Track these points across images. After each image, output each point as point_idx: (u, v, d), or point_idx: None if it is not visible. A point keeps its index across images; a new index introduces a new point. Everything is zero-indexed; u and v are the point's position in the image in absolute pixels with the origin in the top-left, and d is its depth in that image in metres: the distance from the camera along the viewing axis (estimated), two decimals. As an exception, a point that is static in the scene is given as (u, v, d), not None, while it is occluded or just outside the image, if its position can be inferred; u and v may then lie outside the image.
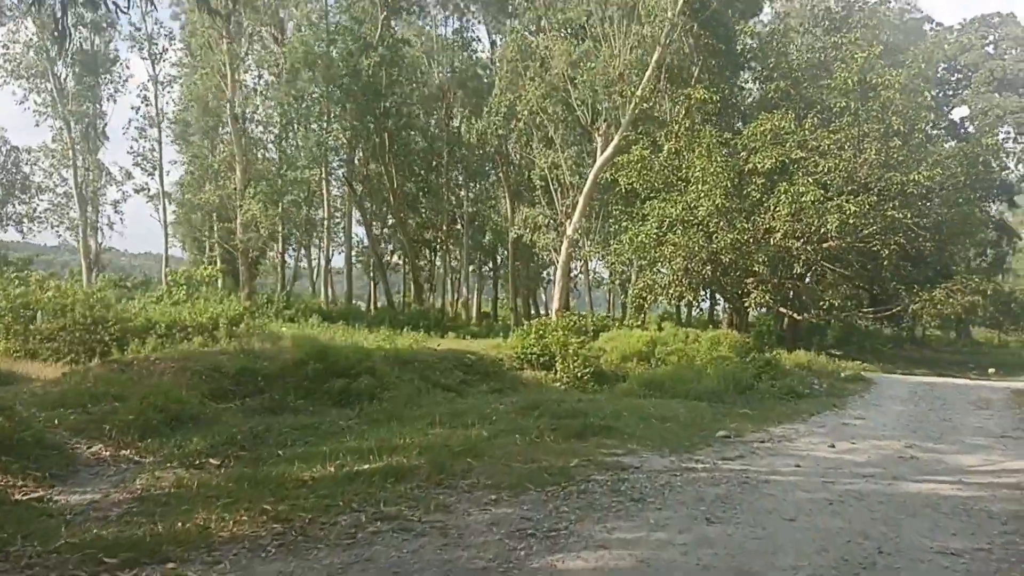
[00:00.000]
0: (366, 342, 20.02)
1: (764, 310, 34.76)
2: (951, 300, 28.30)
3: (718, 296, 40.47)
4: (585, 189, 35.54)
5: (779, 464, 10.13)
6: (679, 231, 29.09)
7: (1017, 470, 10.27)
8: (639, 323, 31.56)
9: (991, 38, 61.89)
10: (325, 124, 39.39)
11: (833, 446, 11.78)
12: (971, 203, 32.17)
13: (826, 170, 27.64)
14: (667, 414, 13.33)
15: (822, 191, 27.27)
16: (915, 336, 54.63)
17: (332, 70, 37.58)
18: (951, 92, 60.24)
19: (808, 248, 29.47)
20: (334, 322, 27.68)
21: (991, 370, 36.57)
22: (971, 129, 55.71)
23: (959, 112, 60.07)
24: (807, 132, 28.41)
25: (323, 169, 41.42)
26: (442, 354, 18.85)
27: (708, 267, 29.37)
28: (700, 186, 28.44)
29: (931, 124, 32.66)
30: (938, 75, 55.64)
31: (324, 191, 43.09)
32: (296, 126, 40.41)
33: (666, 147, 30.83)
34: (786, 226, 28.05)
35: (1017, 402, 19.34)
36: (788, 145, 28.07)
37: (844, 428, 13.92)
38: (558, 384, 18.70)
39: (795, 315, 33.00)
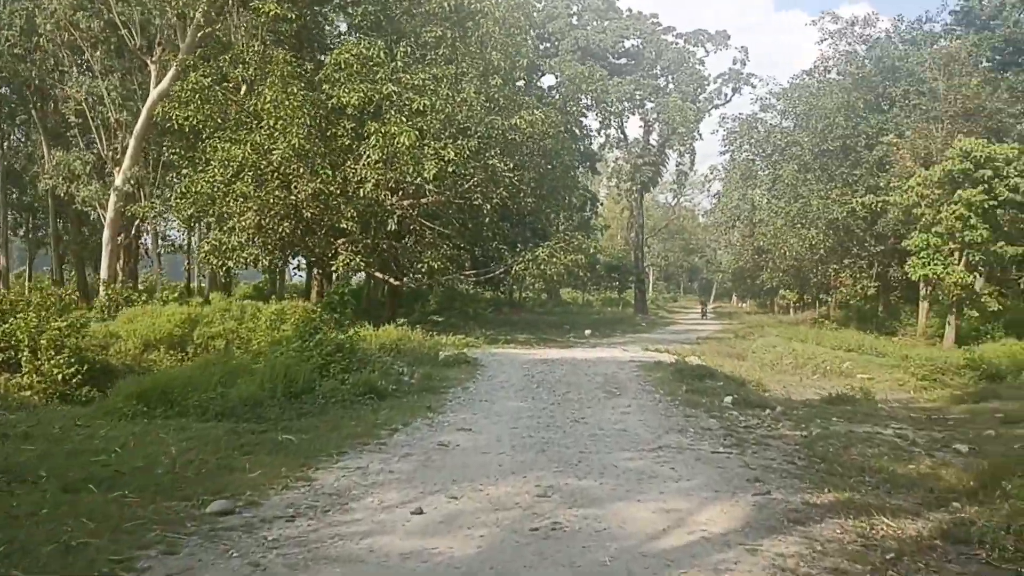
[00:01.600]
0: None
1: (360, 276, 29.95)
2: (554, 260, 25.54)
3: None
4: (137, 128, 28.03)
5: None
6: (249, 179, 23.07)
7: (716, 534, 6.12)
8: (204, 298, 25.06)
9: (575, 8, 63.01)
10: None
11: (420, 512, 6.66)
12: (567, 156, 30.05)
13: (422, 109, 23.20)
14: (138, 460, 7.50)
15: (418, 135, 22.83)
16: (513, 299, 53.74)
17: None
18: (540, 60, 60.29)
19: (404, 203, 25.05)
20: None
21: (587, 331, 35.52)
22: (557, 97, 56.22)
23: (547, 80, 60.42)
24: (399, 63, 23.83)
25: None
26: None
27: (287, 223, 23.74)
28: (274, 123, 22.66)
29: (528, 66, 29.71)
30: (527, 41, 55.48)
31: None
32: None
33: (233, 75, 24.57)
34: (378, 175, 23.32)
35: (650, 382, 16.39)
36: (379, 79, 23.29)
37: (441, 457, 9.02)
38: (29, 394, 11.94)
39: (392, 280, 28.68)
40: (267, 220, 23.49)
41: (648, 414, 12.40)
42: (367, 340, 17.52)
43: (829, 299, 56.31)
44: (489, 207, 25.37)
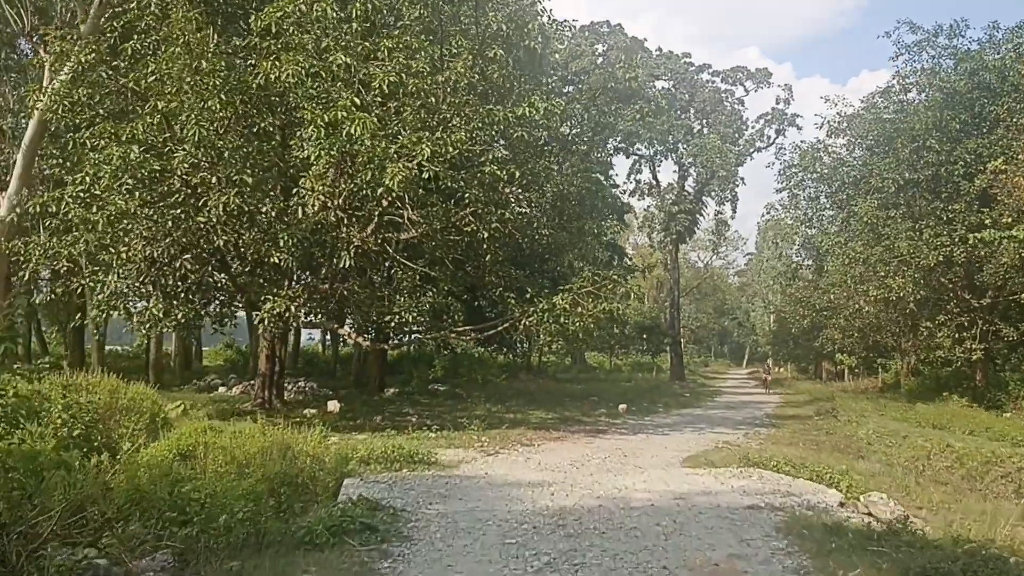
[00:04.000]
0: None
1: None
2: (579, 310, 17.60)
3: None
4: (26, 139, 20.80)
5: None
6: (135, 191, 15.57)
7: None
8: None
9: (601, 48, 56.21)
10: None
11: None
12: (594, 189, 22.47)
13: (385, 89, 15.62)
14: None
15: (377, 124, 15.28)
16: (531, 364, 45.69)
17: None
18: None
19: (365, 231, 17.46)
20: None
21: (621, 407, 27.44)
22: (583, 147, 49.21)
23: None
24: (356, 27, 16.40)
25: None
26: None
27: (189, 256, 16.17)
28: (172, 107, 15.28)
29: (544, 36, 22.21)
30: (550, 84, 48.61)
31: None
32: None
33: (124, 48, 17.26)
34: (325, 188, 15.82)
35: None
36: (326, 47, 15.91)
37: None
38: None
39: (357, 338, 20.89)
40: (162, 251, 15.96)
41: None
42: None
43: (892, 365, 47.91)
44: (487, 235, 17.66)
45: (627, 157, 54.57)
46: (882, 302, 30.78)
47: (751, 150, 55.36)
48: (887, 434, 17.36)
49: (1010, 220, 25.68)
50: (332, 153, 15.44)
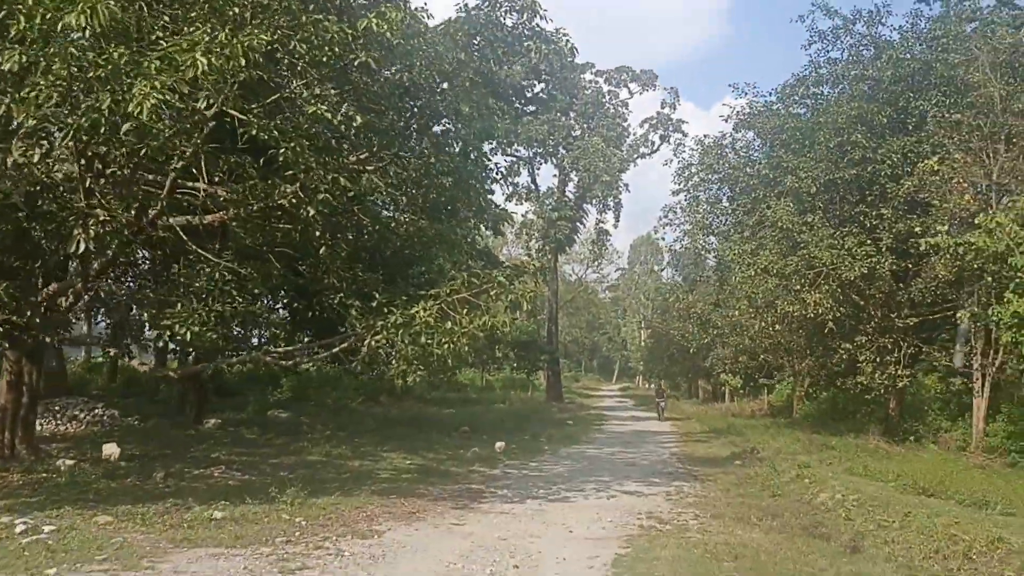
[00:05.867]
0: None
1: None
2: (450, 328, 11.77)
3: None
4: None
5: None
6: None
7: None
8: None
9: (477, 41, 50.90)
10: None
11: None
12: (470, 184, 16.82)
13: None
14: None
15: (110, 16, 9.08)
16: (393, 384, 39.41)
17: None
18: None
19: (131, 211, 11.14)
20: None
21: (498, 445, 21.72)
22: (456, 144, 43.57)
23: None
24: None
25: None
26: None
27: None
28: None
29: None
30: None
31: None
32: None
33: None
34: (34, 120, 9.53)
35: None
36: None
37: None
38: None
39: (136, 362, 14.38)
40: None
41: None
42: None
43: (779, 387, 44.28)
44: (313, 212, 11.63)
45: (504, 156, 49.35)
46: (794, 320, 26.37)
47: (635, 156, 51.20)
48: (865, 502, 12.36)
49: (945, 228, 21.61)
50: (54, 66, 9.15)
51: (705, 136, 30.39)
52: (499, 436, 23.35)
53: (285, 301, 18.02)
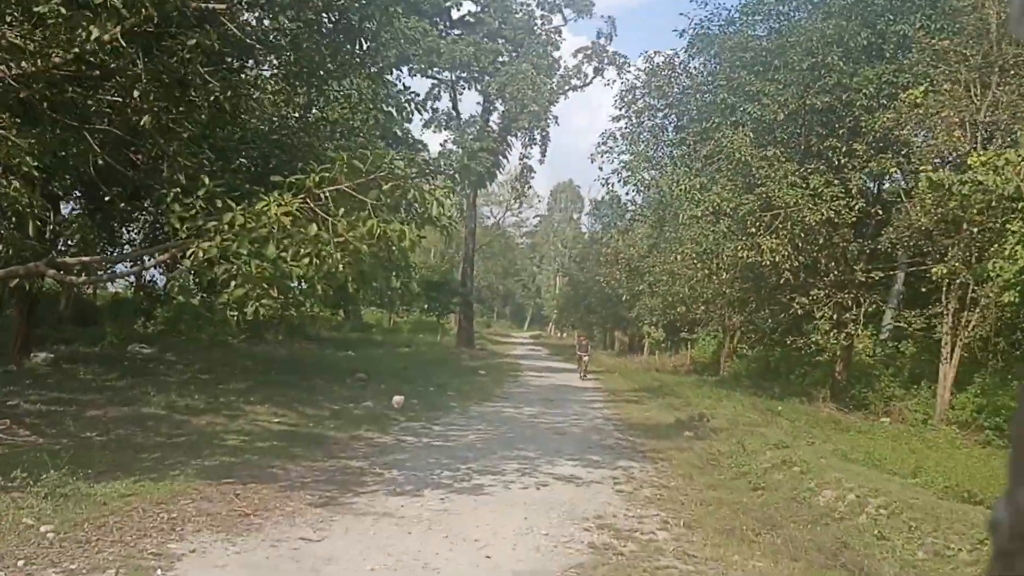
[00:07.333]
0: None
1: None
2: (322, 234, 7.47)
3: None
4: None
5: None
6: None
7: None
8: None
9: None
10: None
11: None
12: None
13: None
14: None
15: None
16: (286, 319, 34.69)
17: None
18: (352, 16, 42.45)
19: None
20: None
21: (396, 399, 17.57)
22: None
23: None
24: None
25: None
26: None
27: None
28: None
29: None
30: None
31: None
32: None
33: None
34: None
35: None
36: None
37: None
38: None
39: None
40: None
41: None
42: None
43: (700, 341, 41.35)
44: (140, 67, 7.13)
45: (423, 78, 44.44)
46: (746, 268, 22.86)
47: (566, 87, 46.85)
48: (896, 510, 8.75)
49: (929, 168, 18.26)
50: None
51: (655, 53, 26.16)
52: (400, 387, 19.22)
53: (107, 201, 13.26)
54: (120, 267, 15.37)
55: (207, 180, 7.86)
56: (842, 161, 21.41)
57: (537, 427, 15.88)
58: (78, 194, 14.38)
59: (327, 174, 7.46)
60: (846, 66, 21.16)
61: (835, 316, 22.29)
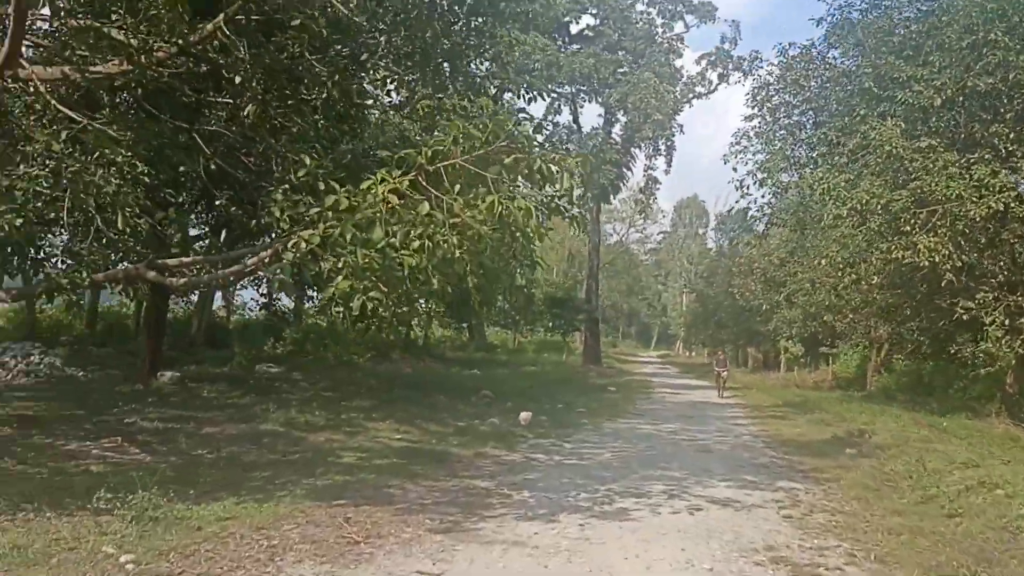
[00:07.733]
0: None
1: None
2: (432, 209, 6.63)
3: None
4: None
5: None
6: None
7: None
8: None
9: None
10: None
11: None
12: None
13: None
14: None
15: None
16: (410, 338, 34.43)
17: None
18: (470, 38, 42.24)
19: None
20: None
21: (524, 416, 16.60)
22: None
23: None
24: None
25: None
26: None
27: None
28: None
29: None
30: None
31: None
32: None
33: None
34: None
35: None
36: None
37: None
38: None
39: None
40: None
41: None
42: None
43: (841, 355, 38.64)
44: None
45: (544, 99, 43.73)
46: (902, 271, 20.74)
47: (690, 95, 45.17)
48: None
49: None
50: None
51: (790, 45, 24.37)
52: (526, 404, 18.21)
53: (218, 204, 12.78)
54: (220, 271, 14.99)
55: (308, 161, 7.07)
56: (1009, 149, 19.11)
57: (679, 444, 14.50)
58: (190, 198, 14.14)
59: (440, 147, 6.53)
60: (1012, 43, 18.86)
61: (1007, 321, 19.83)
